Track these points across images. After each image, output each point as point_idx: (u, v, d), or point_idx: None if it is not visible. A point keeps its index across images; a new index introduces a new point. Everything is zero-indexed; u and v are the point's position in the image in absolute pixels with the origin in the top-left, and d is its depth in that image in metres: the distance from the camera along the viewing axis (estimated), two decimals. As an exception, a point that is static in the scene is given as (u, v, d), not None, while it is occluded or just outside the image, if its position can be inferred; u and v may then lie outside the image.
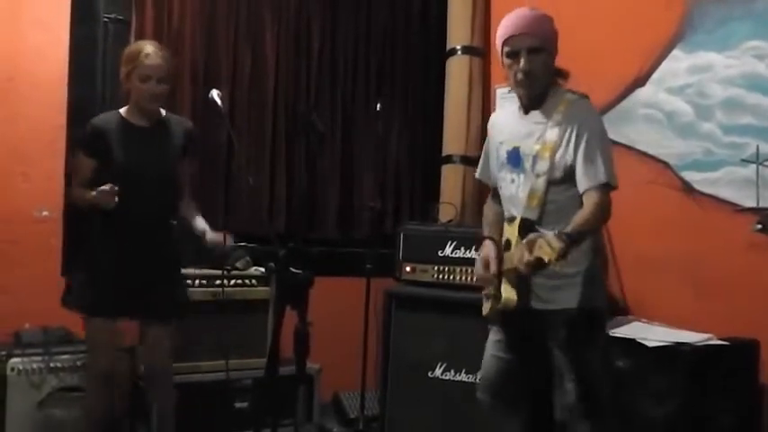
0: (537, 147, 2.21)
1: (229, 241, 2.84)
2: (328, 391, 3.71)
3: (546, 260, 1.89)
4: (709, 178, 3.01)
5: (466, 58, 4.05)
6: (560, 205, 2.19)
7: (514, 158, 2.29)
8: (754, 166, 2.89)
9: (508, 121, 2.38)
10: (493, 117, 2.54)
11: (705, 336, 2.66)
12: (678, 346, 2.57)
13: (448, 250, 3.20)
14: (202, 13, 3.71)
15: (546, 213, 2.18)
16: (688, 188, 3.07)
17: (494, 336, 2.38)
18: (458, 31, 4.09)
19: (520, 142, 2.28)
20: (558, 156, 2.18)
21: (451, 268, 3.19)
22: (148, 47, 2.68)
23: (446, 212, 3.79)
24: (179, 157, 2.78)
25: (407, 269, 3.28)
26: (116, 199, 2.49)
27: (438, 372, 3.12)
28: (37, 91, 3.34)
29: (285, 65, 3.96)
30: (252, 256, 3.41)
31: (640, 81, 3.27)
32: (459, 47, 4.07)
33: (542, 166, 2.18)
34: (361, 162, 4.21)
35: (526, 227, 2.15)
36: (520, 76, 2.20)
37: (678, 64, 3.16)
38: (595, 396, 2.19)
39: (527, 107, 2.29)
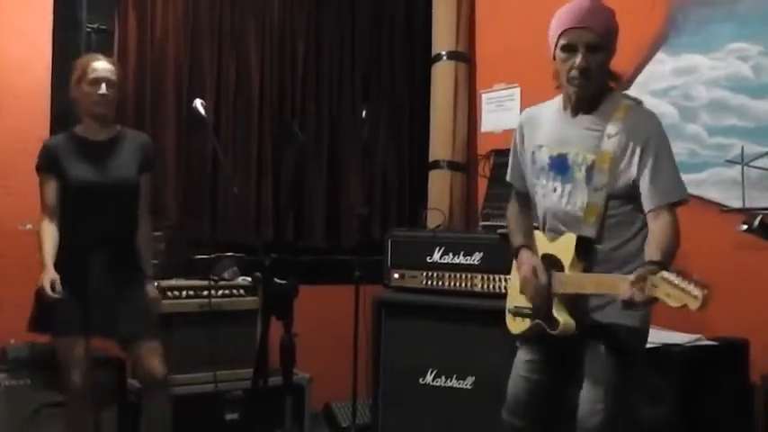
0: (592, 156, 2.01)
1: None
2: (320, 401, 3.68)
3: (680, 306, 1.63)
4: (694, 179, 3.02)
5: (451, 63, 4.05)
6: (617, 221, 2.01)
7: (560, 166, 2.08)
8: (739, 166, 2.91)
9: (551, 121, 2.14)
10: (528, 113, 2.26)
11: (694, 336, 2.67)
12: (667, 347, 2.57)
13: (436, 256, 3.18)
14: (186, 21, 3.68)
15: (603, 229, 2.01)
16: (674, 190, 3.08)
17: (524, 355, 2.18)
18: (443, 37, 4.10)
19: (568, 149, 2.07)
20: (619, 168, 1.98)
21: (440, 274, 3.17)
22: (97, 55, 2.74)
23: (434, 218, 3.79)
24: (136, 171, 2.72)
25: (396, 276, 3.26)
26: (52, 294, 2.47)
27: (429, 378, 3.10)
28: (19, 102, 3.30)
29: (270, 73, 3.94)
30: (239, 266, 3.38)
31: (624, 85, 3.28)
32: (444, 52, 4.07)
33: (601, 179, 1.99)
34: (348, 169, 4.20)
35: (584, 246, 1.99)
36: (574, 73, 1.99)
37: (662, 66, 3.18)
38: (616, 423, 2.00)
39: (576, 109, 2.08)
